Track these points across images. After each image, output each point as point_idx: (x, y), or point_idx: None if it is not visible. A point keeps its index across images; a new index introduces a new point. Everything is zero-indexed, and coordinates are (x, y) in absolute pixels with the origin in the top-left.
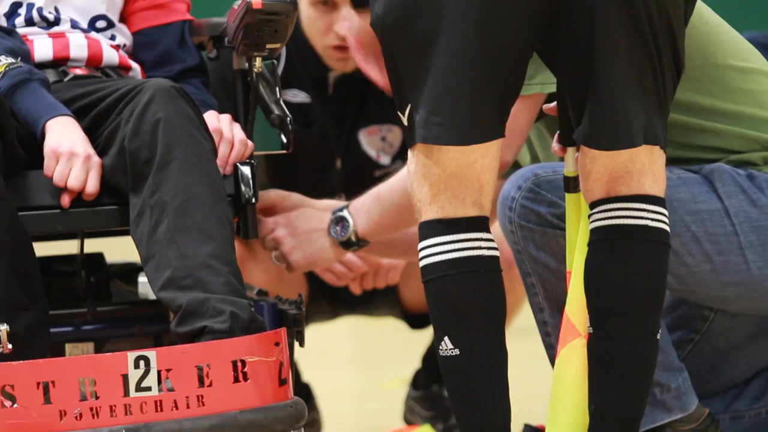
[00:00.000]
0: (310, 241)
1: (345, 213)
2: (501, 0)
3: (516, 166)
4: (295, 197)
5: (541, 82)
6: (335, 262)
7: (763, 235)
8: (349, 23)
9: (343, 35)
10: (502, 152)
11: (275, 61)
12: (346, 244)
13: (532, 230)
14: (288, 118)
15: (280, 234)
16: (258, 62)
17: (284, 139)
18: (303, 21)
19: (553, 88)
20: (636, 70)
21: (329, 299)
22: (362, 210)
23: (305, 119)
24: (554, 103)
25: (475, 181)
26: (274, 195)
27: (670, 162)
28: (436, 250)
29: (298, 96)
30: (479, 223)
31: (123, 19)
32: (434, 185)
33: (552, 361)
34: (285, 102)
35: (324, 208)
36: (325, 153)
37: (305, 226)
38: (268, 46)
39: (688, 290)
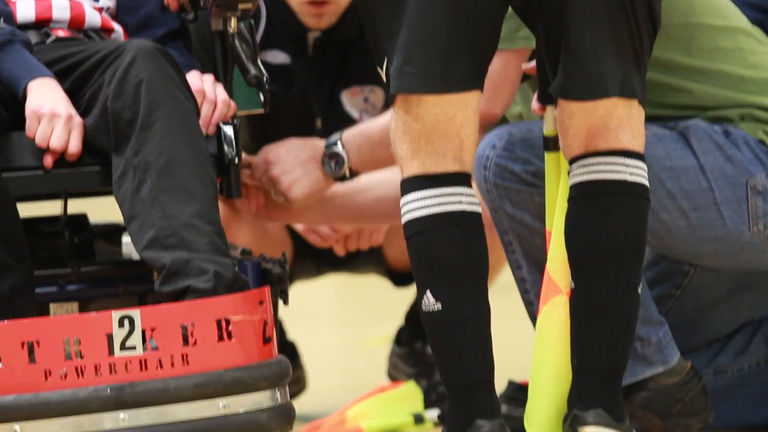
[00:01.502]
0: (306, 174)
1: (339, 149)
2: None
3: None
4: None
5: (525, 36)
6: (322, 223)
7: (739, 191)
8: None
9: None
10: (491, 104)
11: (252, 21)
12: (341, 179)
13: (507, 188)
14: (265, 78)
15: (275, 172)
16: (233, 22)
17: (262, 98)
18: None
19: (532, 44)
20: (610, 24)
21: (313, 258)
22: (354, 145)
23: (285, 80)
24: (533, 62)
25: (455, 136)
26: None
27: (647, 120)
28: (418, 205)
29: (278, 57)
30: (460, 178)
31: None
32: (414, 141)
33: (531, 317)
34: (265, 63)
35: (301, 145)
36: (305, 113)
37: (296, 160)
38: (240, 6)
39: (665, 246)
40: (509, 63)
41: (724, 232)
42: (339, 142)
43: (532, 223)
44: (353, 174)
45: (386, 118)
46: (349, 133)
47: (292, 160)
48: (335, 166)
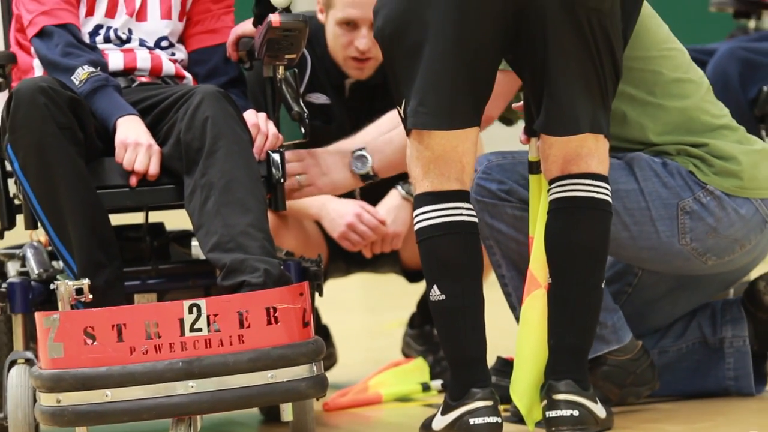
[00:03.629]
0: (335, 170)
1: (365, 152)
2: (473, 19)
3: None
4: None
5: None
6: (353, 220)
7: (671, 210)
8: (367, 39)
9: (363, 49)
10: (488, 109)
11: (296, 70)
12: (365, 177)
13: (486, 203)
14: (305, 114)
15: (310, 167)
16: (280, 70)
17: (303, 130)
18: (328, 37)
19: None
20: (582, 75)
21: (344, 259)
22: (377, 151)
23: (326, 117)
24: (521, 103)
25: (457, 162)
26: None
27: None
28: (427, 216)
29: (321, 98)
30: (461, 195)
31: (182, 40)
32: (425, 165)
33: (510, 306)
34: (309, 103)
35: (335, 151)
36: None
37: (329, 160)
38: (286, 56)
39: (612, 253)
40: (503, 80)
41: (658, 243)
42: (365, 149)
43: (507, 231)
44: (375, 174)
45: (400, 129)
46: (373, 142)
47: (325, 160)
48: (360, 166)
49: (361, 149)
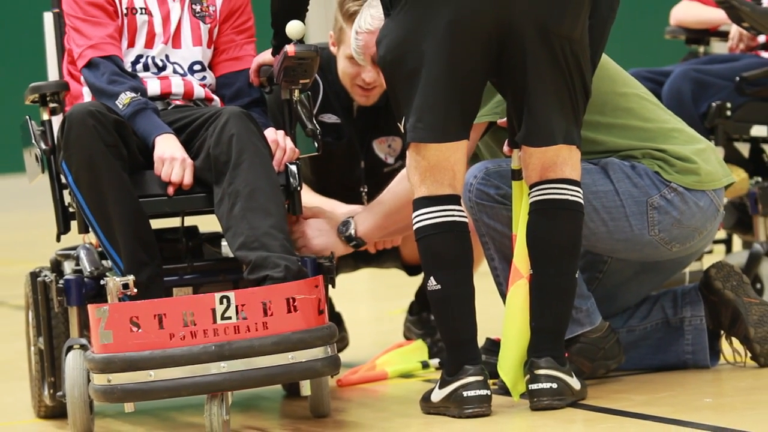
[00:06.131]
0: (326, 234)
1: (350, 220)
2: (462, 48)
3: (477, 159)
4: (317, 209)
5: (482, 115)
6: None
7: (641, 206)
8: (372, 73)
9: (368, 81)
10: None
11: (309, 93)
12: (348, 239)
13: (484, 205)
14: (318, 131)
15: (309, 231)
16: (296, 93)
17: (316, 145)
18: (339, 67)
19: (483, 119)
20: (556, 94)
21: (352, 256)
22: (361, 217)
23: (337, 134)
24: (505, 119)
25: (450, 170)
26: (308, 212)
27: (581, 160)
28: (425, 217)
29: (332, 118)
30: (453, 199)
31: (210, 66)
32: (422, 173)
33: (501, 294)
34: (322, 122)
35: (347, 213)
36: (351, 157)
37: (325, 226)
38: (301, 81)
39: (591, 245)
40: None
41: (632, 236)
42: (351, 218)
43: (502, 229)
44: (358, 238)
45: (390, 193)
46: (365, 208)
47: (321, 226)
48: (344, 230)
49: (350, 217)
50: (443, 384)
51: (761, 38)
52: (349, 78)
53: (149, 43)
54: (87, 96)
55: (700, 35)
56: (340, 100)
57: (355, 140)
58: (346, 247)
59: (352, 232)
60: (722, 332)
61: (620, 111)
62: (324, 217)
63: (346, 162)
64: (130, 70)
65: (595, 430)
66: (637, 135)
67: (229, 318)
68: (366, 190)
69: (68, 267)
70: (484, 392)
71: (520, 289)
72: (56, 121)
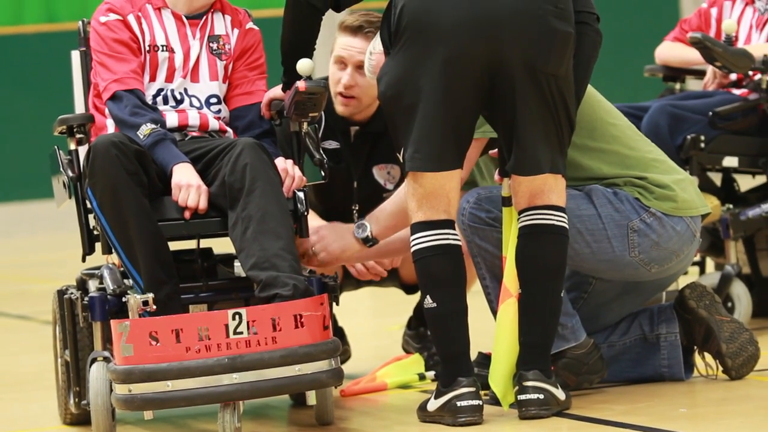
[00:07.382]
0: (342, 238)
1: (365, 221)
2: (456, 85)
3: (474, 184)
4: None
5: (483, 131)
6: (359, 264)
7: (622, 229)
8: (350, 77)
9: (345, 83)
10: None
11: (316, 125)
12: (365, 240)
13: (476, 228)
14: (325, 160)
15: (324, 235)
16: (304, 126)
17: (322, 173)
18: (329, 74)
19: (487, 135)
20: (543, 126)
21: (355, 276)
22: (374, 219)
23: (337, 159)
24: (496, 149)
25: (445, 197)
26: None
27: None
28: (422, 240)
29: (332, 144)
30: (448, 224)
31: (224, 100)
32: (419, 200)
33: (492, 311)
34: (323, 149)
35: (347, 227)
36: (348, 180)
37: (339, 230)
38: (310, 114)
39: (576, 266)
40: (473, 148)
41: (613, 257)
42: (365, 220)
43: (493, 251)
44: (374, 237)
45: (394, 201)
46: (372, 212)
47: (336, 230)
48: (361, 231)
49: (362, 221)
50: (438, 394)
51: (733, 76)
52: (333, 84)
53: (169, 78)
54: (111, 127)
55: (676, 73)
56: (338, 124)
57: (352, 164)
58: (362, 248)
59: (369, 233)
60: (695, 348)
61: (608, 137)
62: (335, 223)
63: (342, 184)
64: (151, 102)
65: None
66: (621, 162)
67: (241, 333)
68: (357, 208)
69: (93, 285)
70: (476, 402)
71: (509, 307)
72: (82, 150)
